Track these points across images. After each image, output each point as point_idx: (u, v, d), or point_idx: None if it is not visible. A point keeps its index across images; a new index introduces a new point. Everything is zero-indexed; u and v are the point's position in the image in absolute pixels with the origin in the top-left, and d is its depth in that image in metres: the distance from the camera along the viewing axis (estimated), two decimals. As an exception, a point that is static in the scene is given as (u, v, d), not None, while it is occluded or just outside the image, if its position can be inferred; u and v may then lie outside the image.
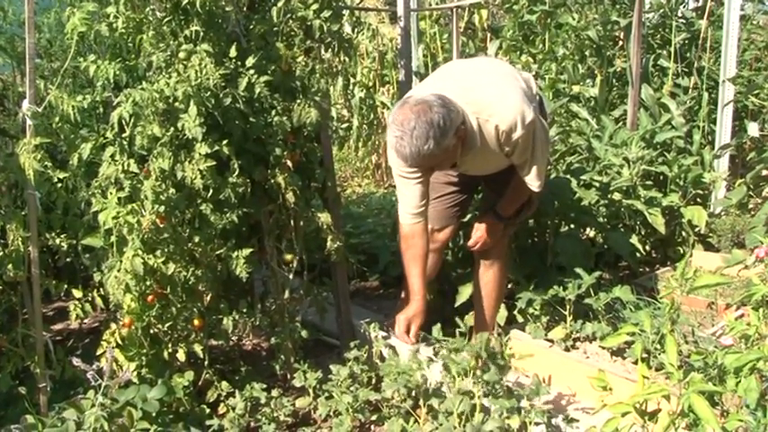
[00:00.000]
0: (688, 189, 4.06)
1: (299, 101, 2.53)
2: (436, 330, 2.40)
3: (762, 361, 1.48)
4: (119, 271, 2.34)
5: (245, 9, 2.67)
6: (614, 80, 5.12)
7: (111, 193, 2.40)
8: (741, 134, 4.31)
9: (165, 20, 2.47)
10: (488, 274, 2.85)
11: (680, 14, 5.18)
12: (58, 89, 2.47)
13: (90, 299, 2.60)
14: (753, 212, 3.60)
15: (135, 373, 2.40)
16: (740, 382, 1.57)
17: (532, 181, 2.55)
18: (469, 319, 2.91)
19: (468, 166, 2.62)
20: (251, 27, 2.60)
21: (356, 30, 3.18)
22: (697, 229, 3.93)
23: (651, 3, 5.20)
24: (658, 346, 2.04)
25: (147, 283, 2.40)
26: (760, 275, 2.07)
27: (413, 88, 2.74)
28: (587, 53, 5.02)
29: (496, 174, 2.69)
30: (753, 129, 4.18)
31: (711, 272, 3.56)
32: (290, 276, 2.74)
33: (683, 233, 4.01)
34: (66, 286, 2.66)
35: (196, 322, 2.53)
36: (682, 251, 3.95)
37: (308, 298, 2.88)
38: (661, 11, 5.21)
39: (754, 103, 4.23)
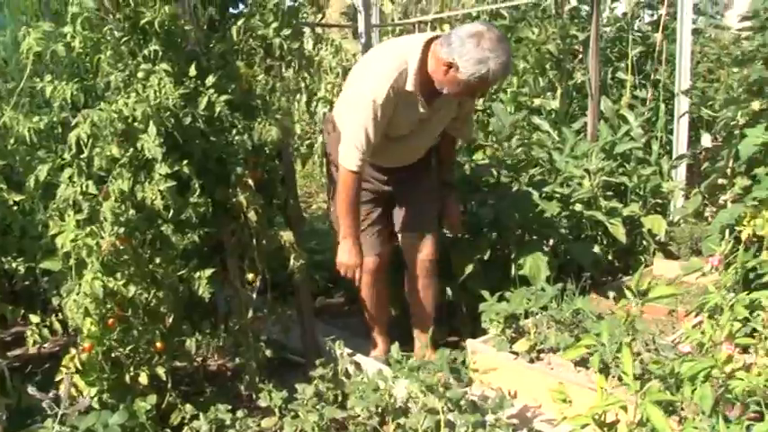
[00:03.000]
0: (647, 199, 4.14)
1: (259, 119, 2.53)
2: (395, 350, 2.40)
3: (715, 369, 1.51)
4: (78, 294, 2.30)
5: (204, 28, 2.67)
6: (574, 92, 5.21)
7: (68, 216, 2.36)
8: (696, 144, 4.42)
9: (124, 39, 2.45)
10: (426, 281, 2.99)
11: (636, 28, 5.31)
12: (13, 110, 2.44)
13: (48, 324, 2.55)
14: (709, 220, 3.68)
15: (96, 398, 2.36)
16: (696, 389, 1.60)
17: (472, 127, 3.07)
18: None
19: (435, 117, 2.78)
20: (211, 46, 2.59)
21: (317, 47, 3.17)
22: (657, 238, 4.00)
23: (608, 17, 5.32)
24: (619, 356, 2.08)
25: (108, 306, 2.36)
26: (715, 283, 2.12)
27: (400, 40, 2.99)
28: (548, 66, 5.10)
29: (418, 171, 2.93)
30: (705, 140, 4.30)
31: (671, 279, 3.64)
32: (254, 295, 2.72)
33: (644, 242, 4.08)
34: (23, 311, 2.61)
35: (158, 345, 2.49)
36: (643, 260, 4.02)
37: (273, 317, 2.86)
38: (618, 25, 5.34)
39: (708, 114, 4.33)
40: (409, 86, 2.60)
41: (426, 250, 2.98)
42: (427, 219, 3.00)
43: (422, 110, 2.69)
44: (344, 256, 2.80)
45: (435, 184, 3.05)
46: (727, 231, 2.95)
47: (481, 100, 4.94)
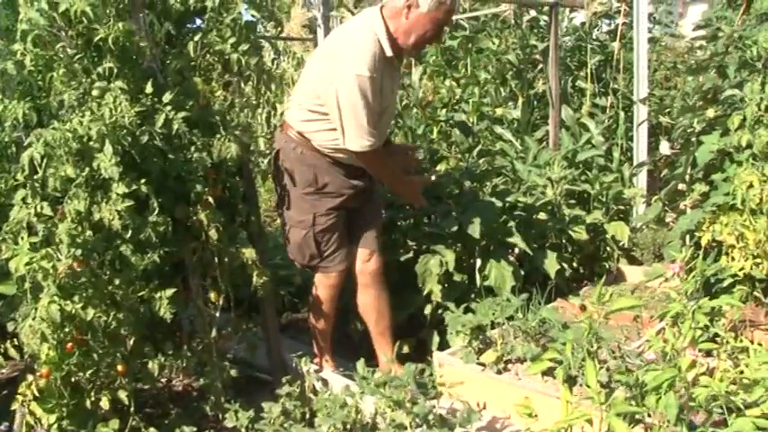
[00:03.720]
0: (610, 205, 4.19)
1: (218, 136, 2.49)
2: (360, 366, 2.38)
3: (677, 378, 1.52)
4: (34, 319, 2.23)
5: (162, 43, 2.62)
6: (536, 102, 5.27)
7: (22, 238, 2.29)
8: (655, 152, 4.49)
9: (77, 57, 2.40)
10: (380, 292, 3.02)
11: (594, 37, 5.39)
12: (-39, 131, 2.37)
13: (3, 350, 2.47)
14: (670, 226, 3.74)
15: (55, 425, 2.29)
16: (660, 398, 1.61)
17: None
18: (405, 344, 2.96)
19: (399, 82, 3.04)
20: (167, 62, 2.55)
21: (276, 61, 3.14)
22: (621, 244, 4.05)
23: (567, 27, 5.40)
24: (584, 363, 2.09)
25: (66, 330, 2.29)
26: (676, 289, 2.15)
27: (352, 22, 2.94)
28: (508, 76, 5.16)
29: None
30: (664, 147, 4.38)
31: (635, 285, 3.68)
32: (217, 314, 2.68)
33: (608, 248, 4.13)
34: (-23, 337, 2.52)
35: (119, 368, 2.43)
36: (607, 266, 4.07)
37: (238, 335, 2.82)
38: (577, 34, 5.41)
39: (667, 121, 4.41)
40: (388, 52, 2.69)
41: (376, 263, 3.00)
42: (378, 234, 3.05)
43: (397, 73, 2.88)
44: (414, 197, 3.06)
45: (379, 196, 3.19)
46: (688, 237, 2.99)
47: (444, 110, 4.97)
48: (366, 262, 2.97)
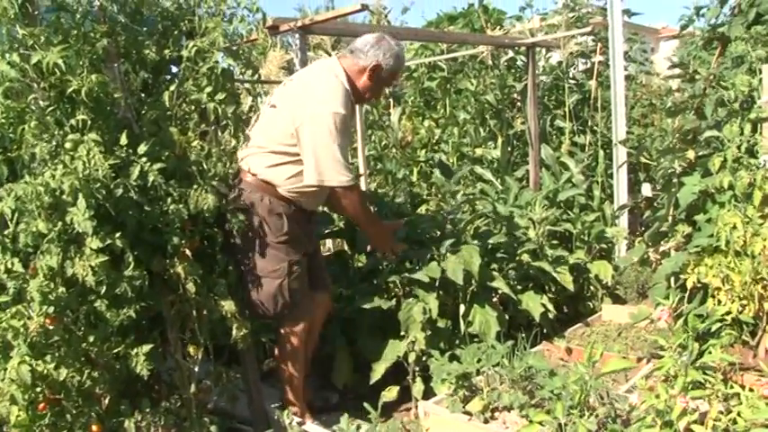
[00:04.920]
0: (592, 244, 4.18)
1: (195, 186, 2.44)
2: (344, 421, 2.31)
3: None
4: (2, 381, 2.14)
5: (137, 92, 2.58)
6: (515, 141, 5.29)
7: (-9, 297, 2.22)
8: (636, 194, 4.51)
9: (49, 109, 2.34)
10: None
11: (571, 76, 5.45)
12: (-69, 186, 2.29)
13: (-32, 416, 2.37)
14: (653, 266, 3.73)
15: (26, 492, 2.19)
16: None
17: None
18: (389, 393, 2.89)
19: None
20: (143, 112, 2.51)
21: (252, 108, 3.08)
22: (604, 282, 4.03)
23: (544, 66, 5.44)
24: (573, 411, 2.04)
25: (38, 390, 2.21)
26: (664, 336, 2.12)
27: (314, 68, 3.02)
28: (487, 116, 5.18)
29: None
30: (646, 189, 4.39)
31: (620, 325, 3.66)
32: (196, 368, 2.59)
33: (592, 288, 4.11)
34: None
35: (94, 428, 2.34)
36: (592, 306, 4.05)
37: (218, 387, 2.73)
38: (554, 73, 5.46)
39: (646, 160, 4.44)
40: (351, 95, 2.85)
41: (329, 304, 3.13)
42: (328, 276, 3.16)
43: (354, 117, 3.11)
44: (385, 241, 3.08)
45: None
46: (673, 279, 2.97)
47: (423, 150, 4.96)
48: (321, 305, 3.03)
